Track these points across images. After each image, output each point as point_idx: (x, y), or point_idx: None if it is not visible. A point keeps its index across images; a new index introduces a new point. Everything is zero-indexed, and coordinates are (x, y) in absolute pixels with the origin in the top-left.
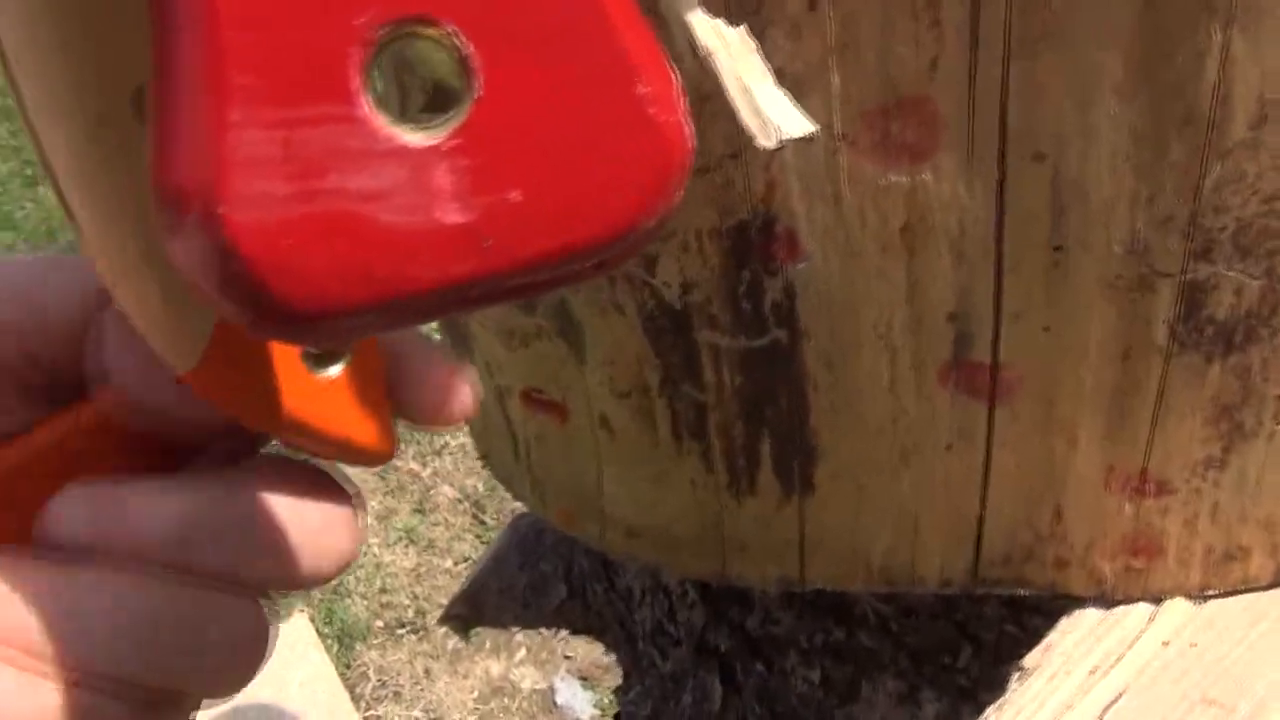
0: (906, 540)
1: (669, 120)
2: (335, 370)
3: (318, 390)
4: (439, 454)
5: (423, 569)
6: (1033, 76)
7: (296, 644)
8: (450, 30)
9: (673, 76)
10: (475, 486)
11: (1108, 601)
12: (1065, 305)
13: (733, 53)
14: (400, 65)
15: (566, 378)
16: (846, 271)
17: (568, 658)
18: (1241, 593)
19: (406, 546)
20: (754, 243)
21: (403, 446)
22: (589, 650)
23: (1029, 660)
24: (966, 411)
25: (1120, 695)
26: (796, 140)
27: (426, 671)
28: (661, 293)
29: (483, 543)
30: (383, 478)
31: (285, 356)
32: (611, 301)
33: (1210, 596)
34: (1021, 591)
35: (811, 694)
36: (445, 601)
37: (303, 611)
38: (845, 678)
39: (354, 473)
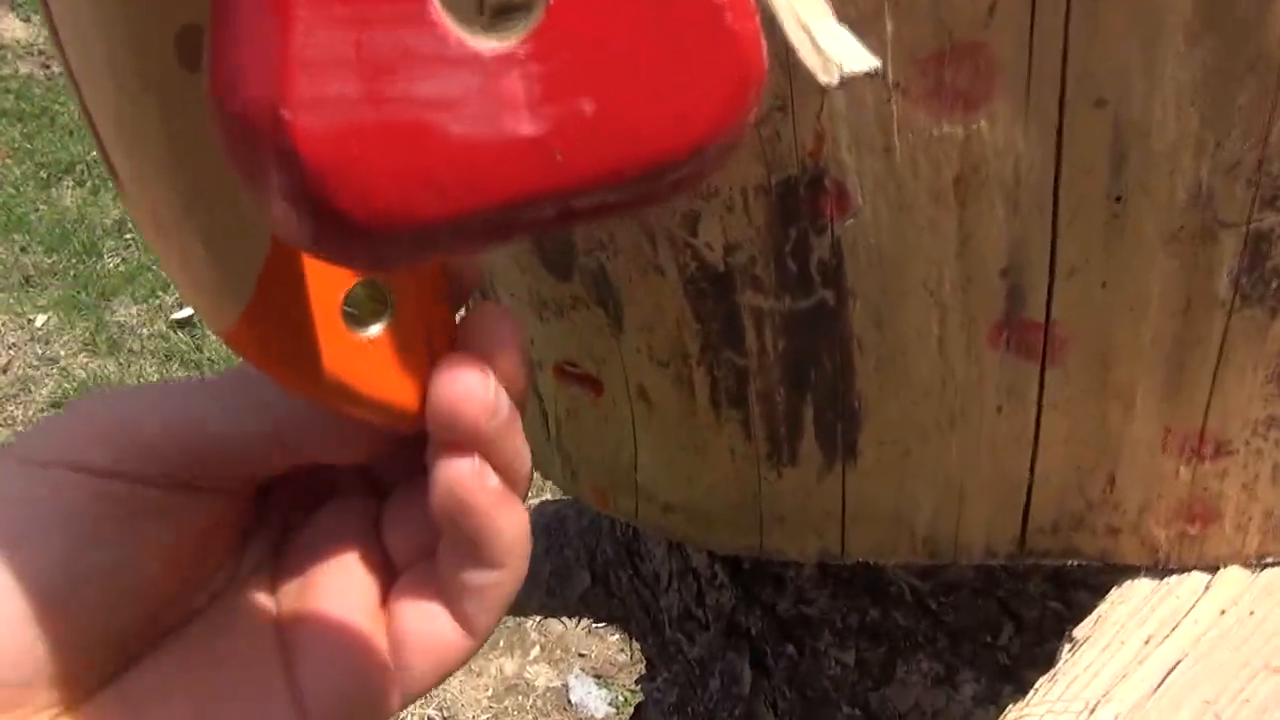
0: (952, 509)
1: (746, 28)
2: (376, 330)
3: (357, 350)
4: None
5: None
6: (1097, 18)
7: None
8: None
9: None
10: None
11: (1160, 570)
12: (1124, 258)
13: None
14: None
15: (603, 349)
16: (896, 226)
17: (581, 655)
18: None
19: None
20: (802, 199)
21: None
22: (603, 648)
23: (1079, 631)
24: (1017, 372)
25: (1177, 664)
26: (859, 75)
27: None
28: (703, 254)
29: None
30: None
31: (325, 315)
32: (652, 264)
33: (1268, 564)
34: (1070, 562)
35: (844, 676)
36: None
37: None
38: (879, 659)
39: None
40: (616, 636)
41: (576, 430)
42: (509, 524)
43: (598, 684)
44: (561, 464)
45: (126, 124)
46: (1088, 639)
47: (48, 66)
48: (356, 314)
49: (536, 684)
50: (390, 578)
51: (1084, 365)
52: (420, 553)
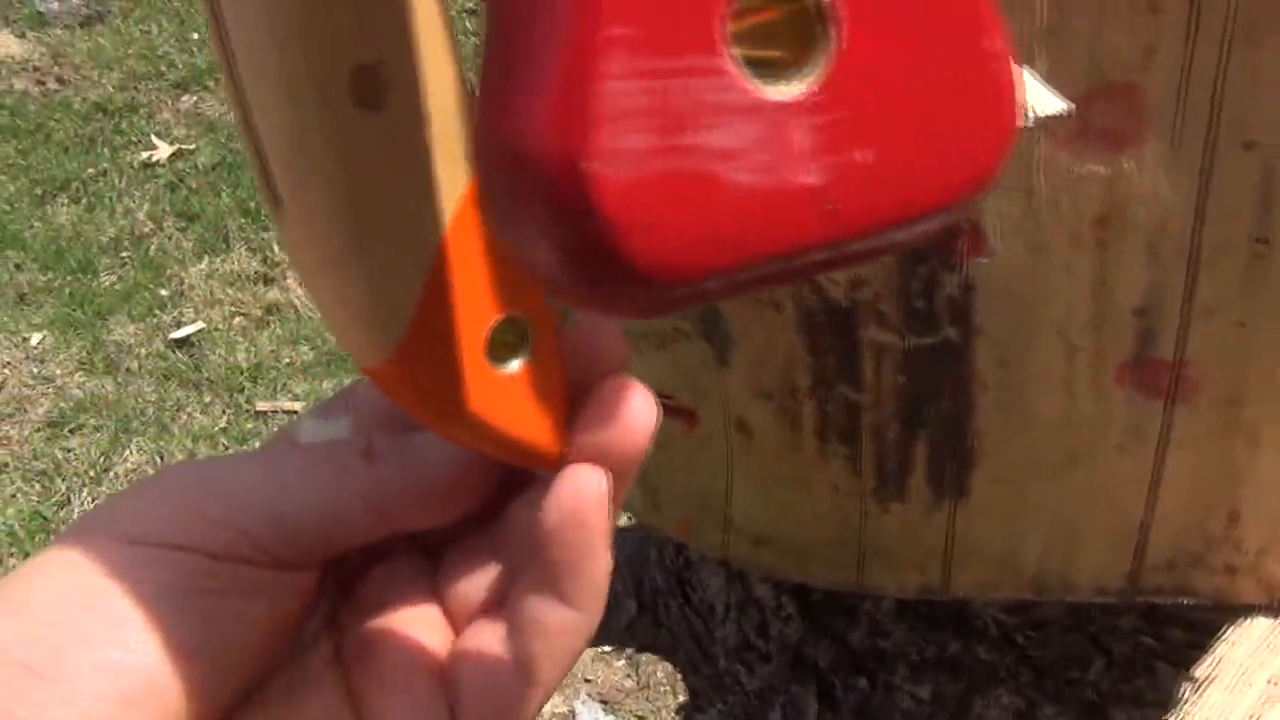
0: (1063, 547)
1: (1009, 73)
2: (515, 366)
3: (499, 386)
4: None
5: None
6: (1253, 63)
7: None
8: None
9: (1008, 31)
10: None
11: (1276, 610)
12: (1264, 301)
13: None
14: (756, 16)
15: (704, 381)
16: (1031, 266)
17: (588, 680)
18: None
19: None
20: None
21: None
22: (609, 674)
23: (1200, 671)
24: (1142, 411)
25: None
26: (1052, 118)
27: None
28: (826, 290)
29: None
30: None
31: (471, 352)
32: (769, 299)
33: None
34: (1183, 600)
35: (918, 710)
36: None
37: None
38: (957, 693)
39: None
40: (623, 662)
41: (664, 462)
42: (604, 560)
43: (605, 710)
44: (644, 495)
45: (297, 160)
46: (1211, 679)
47: (42, 83)
48: (498, 348)
49: (543, 710)
50: (450, 636)
51: (1214, 404)
52: (481, 609)
